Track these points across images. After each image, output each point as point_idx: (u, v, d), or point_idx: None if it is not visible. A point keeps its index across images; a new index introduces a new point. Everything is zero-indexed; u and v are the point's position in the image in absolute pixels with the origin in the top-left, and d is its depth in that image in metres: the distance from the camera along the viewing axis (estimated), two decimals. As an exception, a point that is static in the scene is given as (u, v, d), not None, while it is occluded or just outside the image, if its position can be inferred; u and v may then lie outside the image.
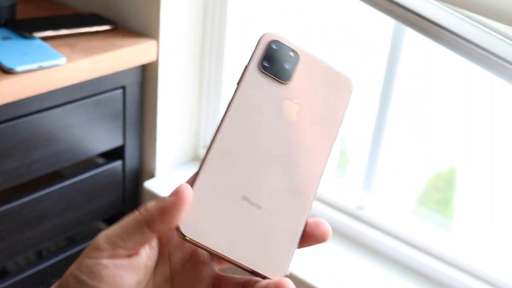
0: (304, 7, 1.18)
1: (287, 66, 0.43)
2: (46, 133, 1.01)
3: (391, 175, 1.17)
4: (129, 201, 1.24)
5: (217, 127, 0.40)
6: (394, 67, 1.02)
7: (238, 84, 0.42)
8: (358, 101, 1.17)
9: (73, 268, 0.37)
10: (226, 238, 0.38)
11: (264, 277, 0.38)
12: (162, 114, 1.19)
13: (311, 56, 0.44)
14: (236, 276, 0.41)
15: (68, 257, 1.15)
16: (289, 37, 0.44)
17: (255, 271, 0.38)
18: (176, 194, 0.37)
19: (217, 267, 0.42)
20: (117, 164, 1.18)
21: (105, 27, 1.12)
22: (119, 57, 1.06)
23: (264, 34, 0.43)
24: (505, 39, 0.77)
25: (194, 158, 1.33)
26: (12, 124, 0.96)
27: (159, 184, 1.23)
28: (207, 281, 0.40)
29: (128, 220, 0.38)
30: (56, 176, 1.17)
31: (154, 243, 0.40)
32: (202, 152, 1.32)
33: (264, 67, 0.42)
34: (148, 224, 0.37)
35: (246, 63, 0.42)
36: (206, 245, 0.37)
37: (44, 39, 1.04)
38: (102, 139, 1.12)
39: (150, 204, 0.38)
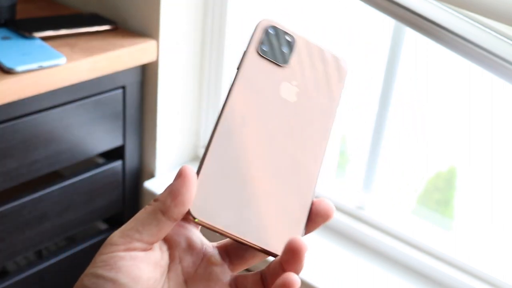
0: (304, 7, 1.18)
1: (284, 49, 0.44)
2: (46, 133, 1.01)
3: (391, 175, 1.17)
4: (129, 201, 1.24)
5: (220, 110, 0.41)
6: (394, 67, 1.02)
7: (238, 68, 0.43)
8: (358, 101, 1.17)
9: (87, 269, 0.37)
10: (236, 219, 0.38)
11: (276, 256, 0.38)
12: (162, 114, 1.19)
13: (307, 40, 0.46)
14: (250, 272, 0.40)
15: (68, 257, 1.15)
16: (285, 22, 0.46)
17: (268, 251, 0.38)
18: (181, 175, 0.37)
19: (230, 269, 0.41)
20: (117, 164, 1.18)
21: (105, 27, 1.12)
22: (119, 57, 1.06)
23: (261, 20, 0.45)
24: (505, 39, 0.77)
25: (194, 158, 1.33)
26: (12, 124, 0.96)
27: (159, 184, 1.23)
28: (223, 281, 0.40)
29: (142, 212, 0.38)
30: (56, 176, 1.17)
31: (164, 246, 0.40)
32: (202, 152, 1.32)
33: (263, 51, 0.43)
34: (163, 212, 0.37)
35: (244, 49, 0.44)
36: (217, 227, 0.37)
37: (44, 39, 1.04)
38: (102, 139, 1.12)
39: (158, 195, 0.38)
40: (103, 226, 1.29)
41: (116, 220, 1.24)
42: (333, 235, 1.13)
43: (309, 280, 1.01)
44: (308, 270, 1.03)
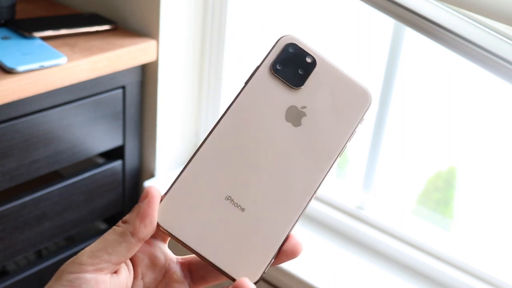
0: (304, 7, 1.18)
1: (300, 71, 0.41)
2: (46, 133, 1.01)
3: (391, 175, 1.18)
4: (129, 201, 1.24)
5: (215, 123, 0.40)
6: (394, 67, 1.02)
7: (245, 83, 0.41)
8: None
9: (52, 282, 0.37)
10: (201, 235, 0.37)
11: (233, 280, 0.37)
12: (162, 114, 1.19)
13: (330, 64, 0.42)
14: None
15: (68, 257, 1.14)
16: (309, 41, 0.43)
17: (225, 272, 0.37)
18: (147, 196, 0.39)
19: (190, 286, 0.42)
20: (117, 164, 1.18)
21: (105, 27, 1.12)
22: (119, 57, 1.06)
23: (283, 36, 0.42)
24: (505, 39, 0.77)
25: (194, 158, 1.33)
26: (12, 124, 0.96)
27: (159, 184, 1.23)
28: None
29: (111, 234, 0.38)
30: (56, 176, 1.17)
31: (129, 265, 0.40)
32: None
33: (276, 70, 0.41)
34: (132, 234, 0.38)
35: (258, 63, 0.41)
36: (180, 238, 0.37)
37: (44, 39, 1.04)
38: (102, 139, 1.12)
39: (126, 217, 0.39)
40: (103, 226, 1.29)
41: (116, 220, 1.23)
42: (333, 235, 1.13)
43: (309, 280, 1.01)
44: (308, 270, 1.04)
